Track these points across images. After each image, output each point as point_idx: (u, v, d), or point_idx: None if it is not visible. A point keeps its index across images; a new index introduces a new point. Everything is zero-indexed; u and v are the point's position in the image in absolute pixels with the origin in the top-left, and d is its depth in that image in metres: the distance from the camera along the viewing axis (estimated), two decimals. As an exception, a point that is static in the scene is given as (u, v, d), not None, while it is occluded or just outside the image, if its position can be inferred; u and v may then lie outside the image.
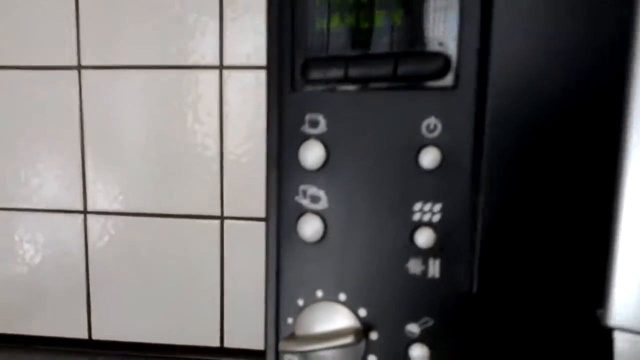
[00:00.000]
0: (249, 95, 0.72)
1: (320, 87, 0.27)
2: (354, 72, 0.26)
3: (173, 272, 0.76)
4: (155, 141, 0.74)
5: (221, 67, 0.72)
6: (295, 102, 0.27)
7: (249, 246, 0.75)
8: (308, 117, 0.27)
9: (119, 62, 0.73)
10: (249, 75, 0.72)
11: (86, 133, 0.73)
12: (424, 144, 0.26)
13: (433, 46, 0.25)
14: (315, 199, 0.28)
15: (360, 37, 0.26)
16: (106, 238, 0.76)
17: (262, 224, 0.73)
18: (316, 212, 0.28)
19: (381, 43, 0.26)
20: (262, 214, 0.72)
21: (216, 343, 0.70)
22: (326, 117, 0.27)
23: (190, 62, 0.73)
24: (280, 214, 0.29)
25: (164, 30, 0.72)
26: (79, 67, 0.72)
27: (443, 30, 0.25)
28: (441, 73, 0.25)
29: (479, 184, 0.25)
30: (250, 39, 0.72)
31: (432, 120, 0.25)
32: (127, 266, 0.76)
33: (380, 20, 0.26)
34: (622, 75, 0.23)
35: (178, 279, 0.76)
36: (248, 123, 0.72)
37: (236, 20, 0.71)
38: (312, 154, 0.27)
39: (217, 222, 0.75)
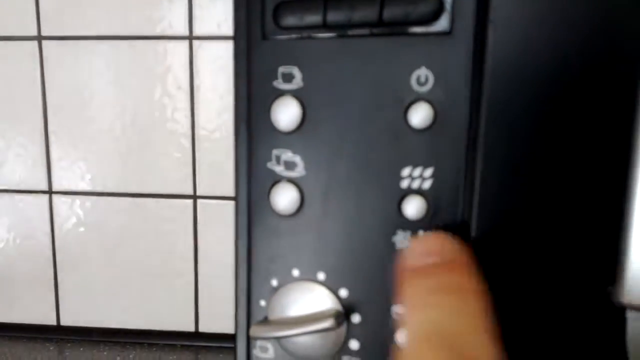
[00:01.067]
0: (220, 67, 0.69)
1: (295, 35, 0.23)
2: (333, 16, 0.23)
3: (144, 255, 0.74)
4: (122, 117, 0.72)
5: (191, 37, 0.69)
6: (266, 52, 0.24)
7: (224, 226, 0.72)
8: (281, 70, 0.24)
9: (81, 32, 0.70)
10: (221, 45, 0.69)
11: (49, 108, 0.71)
12: (413, 99, 0.22)
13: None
14: (290, 165, 0.25)
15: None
16: (73, 219, 0.74)
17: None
18: (291, 181, 0.25)
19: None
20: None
21: (191, 328, 0.67)
22: (302, 69, 0.24)
23: (157, 32, 0.70)
24: (251, 184, 0.25)
25: None
26: (39, 38, 0.69)
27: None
28: (434, 16, 0.22)
29: (476, 144, 0.21)
30: (221, 6, 0.68)
31: (423, 72, 0.22)
32: (96, 249, 0.74)
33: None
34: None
35: (150, 262, 0.73)
36: (220, 96, 0.70)
37: None
38: (286, 113, 0.24)
39: (189, 201, 0.73)
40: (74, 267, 0.75)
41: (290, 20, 0.23)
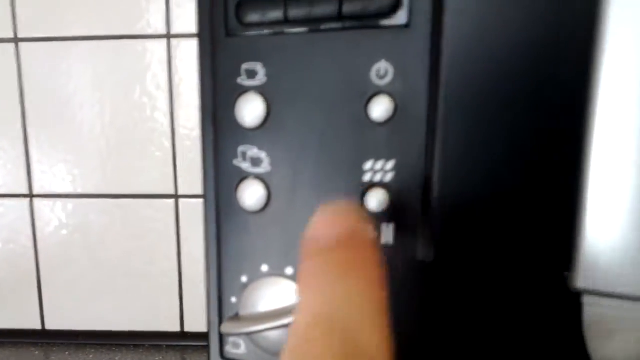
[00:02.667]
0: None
1: (257, 32, 0.24)
2: (294, 12, 0.23)
3: (128, 256, 0.73)
4: (102, 118, 0.71)
5: (169, 35, 0.69)
6: (230, 49, 0.24)
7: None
8: (245, 66, 0.24)
9: (59, 33, 0.70)
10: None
11: (28, 111, 0.70)
12: (374, 92, 0.23)
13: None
14: (256, 162, 0.25)
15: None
16: (55, 222, 0.73)
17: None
18: (258, 177, 0.25)
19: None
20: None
21: (176, 328, 0.67)
22: (265, 65, 0.24)
23: (135, 32, 0.69)
24: (219, 181, 0.25)
25: None
26: (16, 40, 0.68)
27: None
28: (392, 10, 0.22)
29: (435, 136, 0.22)
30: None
31: (382, 65, 0.22)
32: (79, 251, 0.73)
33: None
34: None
35: (133, 263, 0.73)
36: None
37: None
38: (250, 110, 0.24)
39: (171, 201, 0.73)
40: (58, 270, 0.75)
41: (252, 17, 0.23)
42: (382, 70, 0.22)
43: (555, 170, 0.21)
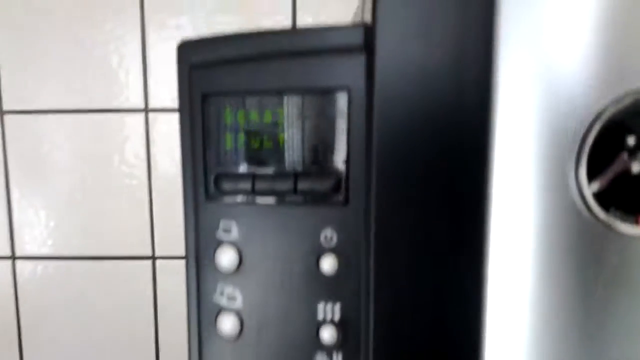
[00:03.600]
0: (176, 137, 0.74)
1: (231, 198, 0.30)
2: (260, 186, 0.29)
3: (106, 317, 0.77)
4: (82, 185, 0.75)
5: (146, 109, 0.73)
6: (210, 210, 0.30)
7: (183, 286, 0.76)
8: (222, 224, 0.30)
9: (42, 106, 0.73)
10: (176, 117, 0.73)
11: (11, 178, 0.73)
12: (323, 251, 0.29)
13: (329, 166, 0.29)
14: (231, 299, 0.31)
15: (266, 155, 0.29)
16: (36, 283, 0.76)
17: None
18: (233, 311, 0.31)
19: (284, 161, 0.29)
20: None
21: (153, 387, 0.69)
22: (238, 224, 0.30)
23: (115, 105, 0.74)
24: (200, 312, 0.31)
25: (88, 72, 0.73)
26: (1, 113, 0.72)
27: (336, 153, 0.28)
28: (334, 190, 0.28)
29: (369, 286, 0.28)
30: (175, 81, 0.73)
31: (328, 232, 0.29)
32: (59, 312, 0.76)
33: (282, 142, 0.29)
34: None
35: (111, 325, 0.76)
36: (177, 164, 0.74)
37: (160, 63, 0.72)
38: (226, 258, 0.30)
39: (148, 262, 0.77)
40: (38, 330, 0.78)
41: (227, 186, 0.30)
42: (329, 235, 0.29)
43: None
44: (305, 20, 0.67)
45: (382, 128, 0.25)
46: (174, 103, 0.73)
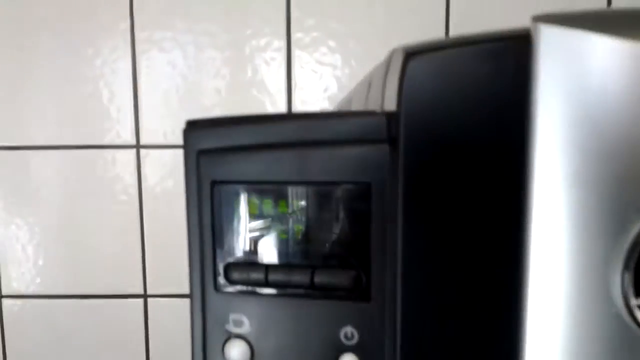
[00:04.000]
0: (167, 174, 0.72)
1: (242, 289, 0.28)
2: (274, 277, 0.28)
3: (96, 358, 0.74)
4: (71, 222, 0.73)
5: (138, 146, 0.72)
6: (219, 302, 0.28)
7: (176, 325, 0.75)
8: (232, 317, 0.28)
9: (31, 142, 0.72)
10: (167, 153, 0.72)
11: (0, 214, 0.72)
12: (343, 350, 0.28)
13: (348, 260, 0.27)
14: (242, 394, 0.29)
15: (280, 245, 0.28)
16: (23, 322, 0.75)
17: (187, 301, 0.73)
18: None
19: (299, 255, 0.27)
20: (187, 290, 0.72)
21: None
22: (249, 317, 0.28)
23: (106, 142, 0.72)
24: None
25: (78, 108, 0.71)
26: (-13, 148, 0.70)
27: (357, 248, 0.27)
28: (354, 285, 0.27)
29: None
30: (166, 117, 0.72)
31: (349, 330, 0.27)
32: (47, 352, 0.74)
33: (298, 233, 0.27)
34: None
35: None
36: (168, 202, 0.73)
37: (151, 98, 0.71)
38: (236, 353, 0.28)
39: (140, 300, 0.75)
40: (26, 370, 0.75)
41: (238, 276, 0.28)
42: (349, 333, 0.27)
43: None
44: (296, 36, 0.66)
45: (410, 220, 0.24)
46: (166, 138, 0.71)
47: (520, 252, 0.24)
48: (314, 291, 0.27)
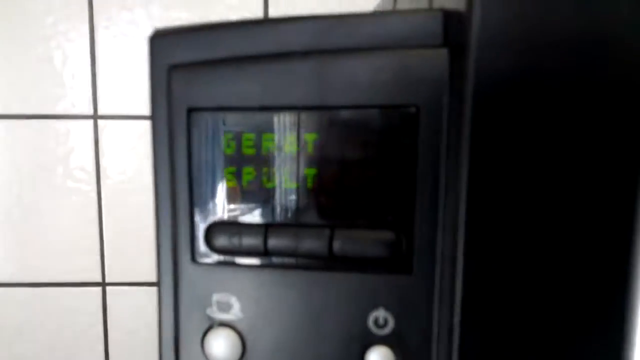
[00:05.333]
0: (129, 148, 0.66)
1: (230, 260, 0.20)
2: (276, 243, 0.20)
3: (48, 351, 0.70)
4: (21, 201, 0.67)
5: (95, 116, 0.66)
6: (198, 277, 0.20)
7: (137, 315, 0.69)
8: (216, 297, 0.20)
9: None
10: (129, 124, 0.66)
11: None
12: (372, 341, 0.20)
13: (383, 217, 0.19)
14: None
15: (285, 200, 0.20)
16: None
17: (151, 289, 0.68)
18: None
19: (312, 210, 0.19)
20: (150, 278, 0.66)
21: None
22: (241, 299, 0.20)
23: (58, 111, 0.66)
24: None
25: (27, 73, 0.65)
26: None
27: (396, 199, 0.19)
28: (390, 253, 0.19)
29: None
30: (128, 84, 0.65)
31: (381, 313, 0.19)
32: (-1, 343, 0.68)
33: (312, 179, 0.19)
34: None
35: (54, 357, 0.70)
36: (130, 179, 0.67)
37: (110, 62, 0.65)
38: (221, 348, 0.20)
39: (98, 289, 0.70)
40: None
41: (225, 242, 0.20)
42: (381, 319, 0.20)
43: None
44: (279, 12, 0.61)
45: (480, 161, 0.16)
46: (127, 109, 0.65)
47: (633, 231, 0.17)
48: (332, 262, 0.19)
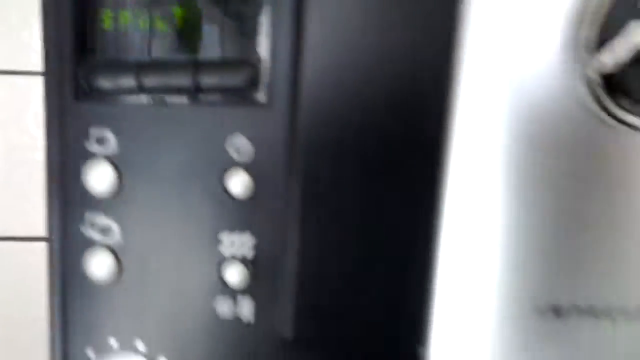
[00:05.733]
0: (5, 106, 0.64)
1: (109, 98, 0.22)
2: (148, 81, 0.22)
3: None
4: None
5: None
6: (79, 112, 0.22)
7: (16, 276, 0.67)
8: (93, 131, 0.23)
9: None
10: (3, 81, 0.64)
11: None
12: (230, 166, 0.22)
13: (243, 55, 0.22)
14: (105, 231, 0.23)
15: (158, 40, 0.22)
16: None
17: (33, 245, 0.66)
18: (107, 247, 0.23)
19: (182, 48, 0.22)
20: (31, 233, 0.65)
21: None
22: (117, 133, 0.23)
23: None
24: (65, 248, 0.24)
25: None
26: None
27: (256, 37, 0.21)
28: (250, 86, 0.22)
29: (293, 216, 0.22)
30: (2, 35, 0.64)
31: (239, 141, 0.22)
32: None
33: (182, 21, 0.22)
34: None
35: None
36: (5, 138, 0.65)
37: None
38: (98, 178, 0.23)
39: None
40: None
41: (103, 82, 0.22)
42: (240, 145, 0.22)
43: (412, 244, 0.22)
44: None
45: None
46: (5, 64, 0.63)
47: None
48: (198, 95, 0.22)
